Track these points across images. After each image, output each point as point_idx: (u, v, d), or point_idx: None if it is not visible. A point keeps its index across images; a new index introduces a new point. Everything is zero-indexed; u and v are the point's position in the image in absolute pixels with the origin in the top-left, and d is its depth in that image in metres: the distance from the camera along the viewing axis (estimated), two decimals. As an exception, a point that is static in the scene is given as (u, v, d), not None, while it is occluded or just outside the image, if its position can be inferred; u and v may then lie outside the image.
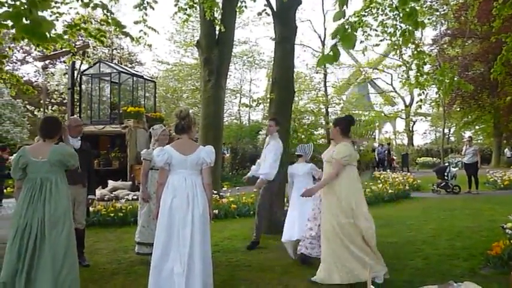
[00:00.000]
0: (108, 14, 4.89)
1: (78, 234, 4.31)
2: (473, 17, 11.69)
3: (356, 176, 4.42)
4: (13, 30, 3.43)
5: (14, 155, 4.14)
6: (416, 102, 8.09)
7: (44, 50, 7.86)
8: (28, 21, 2.16)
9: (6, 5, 2.37)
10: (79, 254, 4.12)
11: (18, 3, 2.34)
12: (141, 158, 5.37)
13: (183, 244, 3.59)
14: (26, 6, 2.25)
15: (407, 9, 2.76)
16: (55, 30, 4.82)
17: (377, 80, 37.49)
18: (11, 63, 28.31)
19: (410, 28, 4.68)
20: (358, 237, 4.17)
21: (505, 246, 4.81)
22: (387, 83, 36.62)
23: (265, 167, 6.00)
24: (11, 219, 3.70)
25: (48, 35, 2.42)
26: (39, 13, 2.34)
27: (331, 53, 2.56)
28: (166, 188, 3.76)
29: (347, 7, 2.57)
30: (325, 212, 4.38)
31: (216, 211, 8.05)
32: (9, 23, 2.44)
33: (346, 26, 2.53)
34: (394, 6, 7.37)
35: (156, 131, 5.36)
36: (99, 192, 10.24)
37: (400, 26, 7.32)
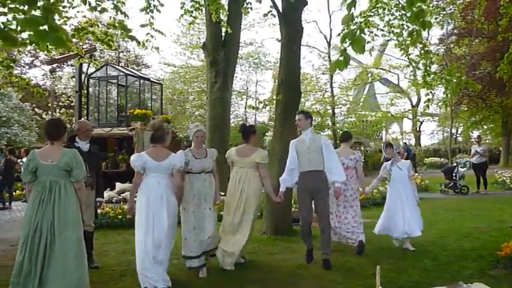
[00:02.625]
0: (122, 15, 4.92)
1: (86, 236, 4.32)
2: (480, 16, 11.63)
3: None
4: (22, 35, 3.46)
5: (25, 158, 4.20)
6: (424, 102, 8.05)
7: (53, 54, 7.94)
8: (45, 27, 2.19)
9: (22, 11, 2.41)
10: (88, 256, 4.16)
11: (32, 9, 2.39)
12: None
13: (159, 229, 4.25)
14: (41, 13, 2.29)
15: (415, 10, 2.75)
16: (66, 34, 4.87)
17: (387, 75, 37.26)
18: (19, 66, 28.54)
19: (417, 28, 4.68)
20: None
21: (515, 247, 4.78)
22: (394, 84, 36.45)
23: (337, 172, 5.15)
24: (22, 222, 3.74)
25: (64, 39, 2.46)
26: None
27: (341, 58, 2.54)
28: (141, 188, 4.38)
29: (355, 9, 2.57)
30: None
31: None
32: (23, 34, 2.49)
33: (355, 30, 2.53)
34: (400, 6, 7.36)
35: (190, 130, 5.16)
36: (107, 194, 10.29)
37: (406, 25, 7.32)
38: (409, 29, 6.59)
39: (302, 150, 5.19)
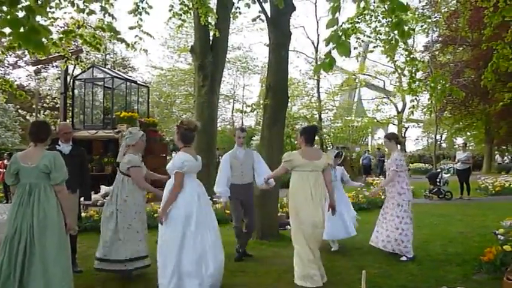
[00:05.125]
0: (110, 17, 4.88)
1: (70, 240, 4.27)
2: (465, 25, 11.85)
3: None
4: (9, 37, 3.40)
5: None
6: (409, 108, 8.15)
7: (37, 55, 7.83)
8: (25, 29, 2.14)
9: (3, 11, 2.35)
10: (71, 260, 4.10)
11: (14, 9, 2.34)
12: (128, 167, 4.80)
13: None
14: (23, 13, 2.24)
15: (395, 20, 2.82)
16: (50, 36, 4.80)
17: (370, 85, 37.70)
18: (2, 67, 28.09)
19: (397, 37, 4.76)
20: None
21: (498, 252, 4.85)
22: (380, 88, 36.87)
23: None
24: (4, 225, 3.68)
25: (45, 42, 2.41)
26: (37, 19, 2.34)
27: (326, 61, 2.58)
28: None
29: (339, 14, 2.60)
30: None
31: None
32: (6, 30, 2.43)
33: (340, 33, 2.56)
34: (387, 12, 7.46)
35: (134, 135, 4.94)
36: (91, 197, 10.15)
37: (392, 33, 7.41)
38: (389, 37, 6.71)
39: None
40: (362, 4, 6.80)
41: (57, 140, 5.18)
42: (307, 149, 4.82)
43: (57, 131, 5.34)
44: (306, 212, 4.58)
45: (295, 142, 20.39)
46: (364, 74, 33.27)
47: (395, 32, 3.04)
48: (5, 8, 2.28)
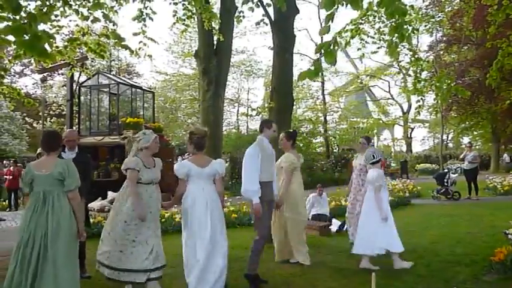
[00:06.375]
0: (111, 24, 4.92)
1: (79, 246, 4.28)
2: (469, 24, 11.83)
3: None
4: (14, 46, 3.44)
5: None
6: (415, 109, 8.12)
7: (43, 63, 7.90)
8: (28, 36, 2.15)
9: (6, 19, 2.36)
10: (80, 266, 4.12)
11: (18, 17, 2.36)
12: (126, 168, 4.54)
13: None
14: (26, 21, 2.26)
15: (395, 23, 2.82)
16: (55, 43, 4.84)
17: (374, 88, 37.66)
18: (9, 76, 28.37)
19: (397, 41, 4.75)
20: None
21: (508, 252, 4.81)
22: (385, 90, 36.81)
23: None
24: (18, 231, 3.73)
25: (49, 49, 2.42)
26: (40, 27, 2.35)
27: (312, 68, 2.55)
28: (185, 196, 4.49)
29: (332, 22, 2.60)
30: None
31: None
32: (11, 38, 2.45)
33: (330, 41, 2.57)
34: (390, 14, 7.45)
35: (148, 136, 4.71)
36: (99, 203, 10.20)
37: (393, 36, 7.40)
38: (390, 40, 6.68)
39: None
40: (365, 6, 6.79)
41: (64, 147, 5.16)
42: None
43: (62, 137, 5.36)
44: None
45: (301, 145, 20.41)
46: (368, 75, 33.22)
47: (395, 35, 3.02)
48: (9, 15, 2.30)
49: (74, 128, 14.65)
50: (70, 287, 3.64)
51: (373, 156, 5.50)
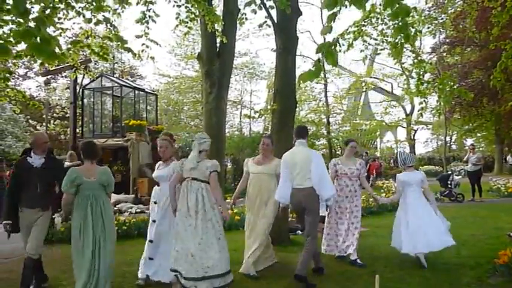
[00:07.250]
0: (111, 28, 4.94)
1: (31, 264, 4.63)
2: (472, 25, 11.79)
3: None
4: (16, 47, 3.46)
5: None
6: (418, 111, 8.13)
7: (47, 66, 7.92)
8: (37, 40, 2.18)
9: (13, 22, 2.38)
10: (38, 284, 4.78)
11: (24, 21, 2.37)
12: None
13: None
14: (34, 24, 2.28)
15: (399, 24, 2.80)
16: (58, 46, 4.85)
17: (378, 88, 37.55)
18: (13, 78, 28.47)
19: (401, 41, 4.75)
20: None
21: (512, 255, 4.78)
22: (388, 92, 36.70)
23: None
24: (72, 231, 4.26)
25: (58, 52, 2.45)
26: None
27: (313, 69, 2.54)
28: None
29: (334, 22, 2.60)
30: None
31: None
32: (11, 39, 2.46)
33: (331, 42, 2.56)
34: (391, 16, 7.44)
35: (208, 139, 4.79)
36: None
37: (399, 36, 7.39)
38: (395, 39, 6.68)
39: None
40: (368, 7, 6.80)
41: (30, 151, 4.78)
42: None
43: (31, 141, 4.94)
44: None
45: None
46: (371, 77, 33.16)
47: (401, 35, 3.01)
48: (18, 19, 2.32)
49: (78, 130, 14.71)
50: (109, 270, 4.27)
51: (407, 159, 5.90)
